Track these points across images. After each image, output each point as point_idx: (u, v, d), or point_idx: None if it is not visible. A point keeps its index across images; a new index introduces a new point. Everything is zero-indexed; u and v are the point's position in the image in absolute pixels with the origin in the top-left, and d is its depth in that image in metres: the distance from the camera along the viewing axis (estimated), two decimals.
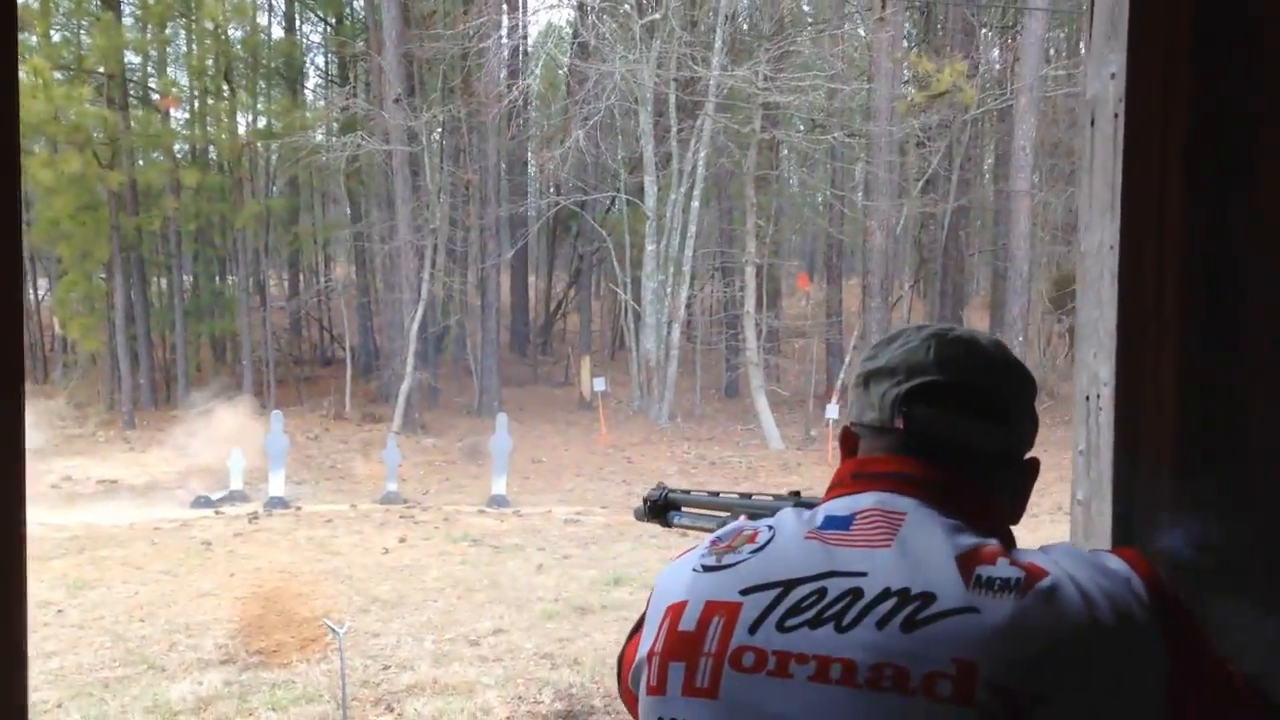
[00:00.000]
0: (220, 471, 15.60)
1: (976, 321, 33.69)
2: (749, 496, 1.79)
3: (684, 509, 1.92)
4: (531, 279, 34.07)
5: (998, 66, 27.64)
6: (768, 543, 1.14)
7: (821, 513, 1.15)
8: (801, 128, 23.88)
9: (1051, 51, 29.00)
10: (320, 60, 33.08)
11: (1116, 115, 1.94)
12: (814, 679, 1.01)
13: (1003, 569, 1.02)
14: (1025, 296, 21.47)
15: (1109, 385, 1.96)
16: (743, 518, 1.27)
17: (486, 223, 23.97)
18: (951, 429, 1.16)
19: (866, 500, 1.13)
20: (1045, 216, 24.89)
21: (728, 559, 1.15)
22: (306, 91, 31.49)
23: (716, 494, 1.89)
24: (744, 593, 1.10)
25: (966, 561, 1.02)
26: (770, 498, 1.72)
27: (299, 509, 14.32)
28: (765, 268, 24.98)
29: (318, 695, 7.49)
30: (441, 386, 24.85)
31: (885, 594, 1.02)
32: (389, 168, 22.60)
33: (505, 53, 23.73)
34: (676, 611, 1.13)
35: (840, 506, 1.14)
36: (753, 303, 22.22)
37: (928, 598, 1.00)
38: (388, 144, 21.94)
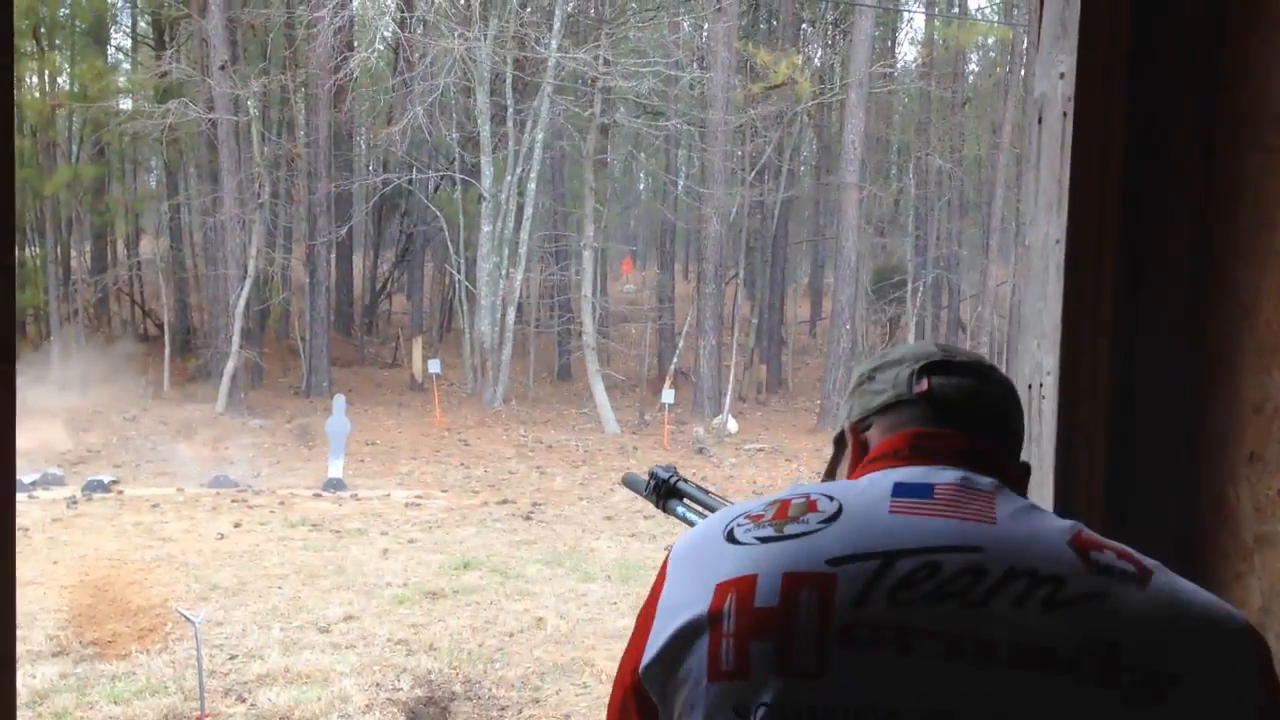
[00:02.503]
0: (31, 453, 14.73)
1: (798, 309, 34.67)
2: None
3: (687, 501, 1.89)
4: (356, 258, 33.27)
5: (817, 62, 28.41)
6: (838, 513, 1.08)
7: (889, 480, 1.12)
8: (638, 114, 24.01)
9: (874, 49, 30.01)
10: (136, 22, 31.40)
11: (1065, 114, 2.06)
12: (946, 656, 0.98)
13: (1111, 558, 1.04)
14: (853, 286, 22.19)
15: (1052, 375, 2.08)
16: (793, 486, 1.18)
17: (316, 198, 23.27)
18: (974, 395, 1.19)
19: (947, 475, 1.10)
20: (872, 210, 25.78)
21: (791, 529, 1.08)
22: (119, 54, 29.90)
23: (707, 493, 1.87)
24: (832, 563, 1.03)
25: (1079, 545, 1.04)
26: None
27: (121, 492, 13.65)
28: (600, 252, 25.09)
29: (162, 687, 7.19)
30: (266, 366, 24.07)
31: (1013, 573, 1.01)
32: (213, 137, 21.68)
33: (335, 24, 23.05)
34: (744, 586, 1.04)
35: (913, 475, 1.11)
36: (590, 286, 22.28)
37: (1059, 580, 1.01)
38: (212, 112, 21.03)
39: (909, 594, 1.00)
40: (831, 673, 0.99)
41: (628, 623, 8.89)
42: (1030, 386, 2.15)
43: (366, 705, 7.00)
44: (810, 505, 1.09)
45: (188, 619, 6.72)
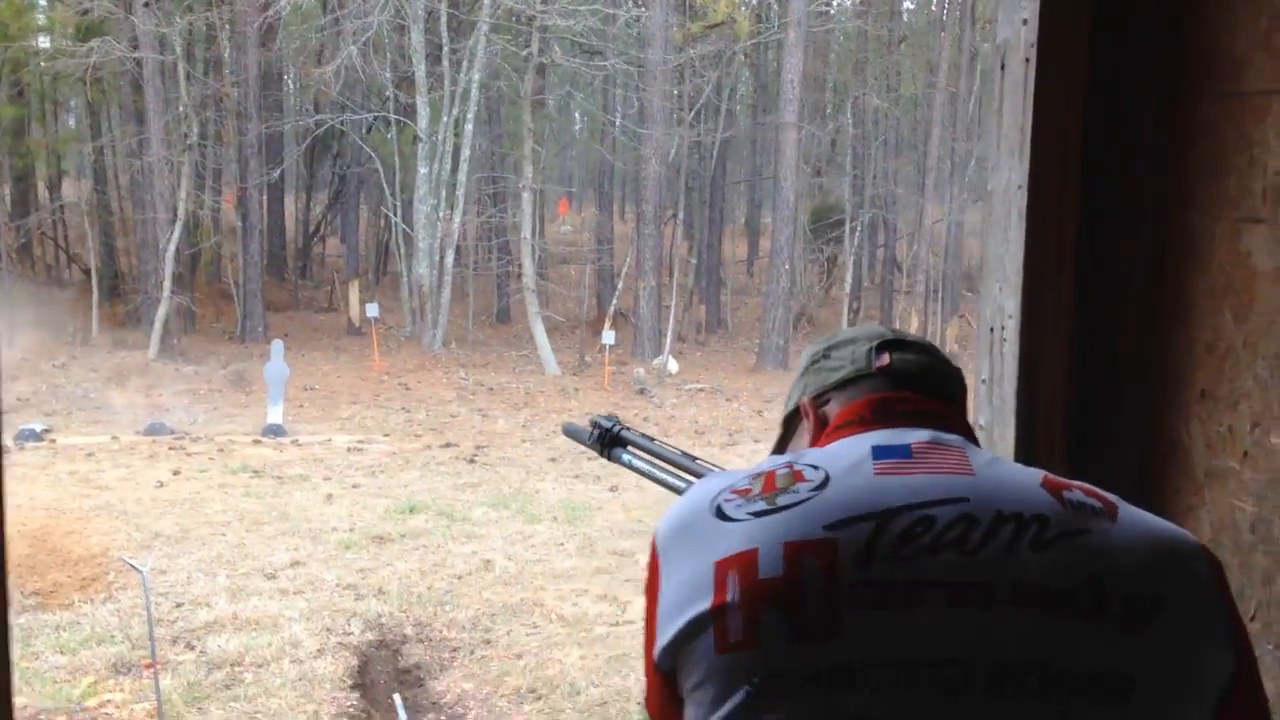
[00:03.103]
0: None
1: (737, 247, 34.77)
2: (694, 458, 1.77)
3: (632, 449, 1.90)
4: (288, 200, 32.68)
5: (754, 1, 28.27)
6: (825, 480, 1.10)
7: (865, 444, 1.15)
8: (575, 54, 23.74)
9: None
10: None
11: (1027, 60, 2.09)
12: (951, 604, 1.01)
13: (1080, 496, 1.10)
14: (791, 226, 22.27)
15: (1014, 319, 2.14)
16: (771, 459, 1.21)
17: (247, 140, 22.78)
18: (930, 370, 1.26)
19: (918, 434, 1.15)
20: (810, 149, 25.81)
21: (783, 500, 1.09)
22: None
23: (652, 440, 1.88)
24: (830, 529, 1.05)
25: (1050, 487, 1.09)
26: (712, 467, 1.68)
27: (54, 441, 13.41)
28: (539, 194, 24.89)
29: (108, 636, 7.14)
30: (198, 311, 23.66)
31: (1000, 518, 1.05)
32: (137, 77, 21.07)
33: None
34: (745, 561, 1.06)
35: (887, 438, 1.15)
36: (529, 228, 22.13)
37: (1043, 520, 1.05)
38: (136, 51, 20.42)
39: (909, 548, 1.03)
40: (845, 634, 1.01)
41: (575, 563, 9.00)
42: (992, 329, 2.21)
43: (318, 650, 7.01)
44: (796, 475, 1.12)
45: (134, 568, 6.67)
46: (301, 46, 24.84)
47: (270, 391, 14.63)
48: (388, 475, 12.05)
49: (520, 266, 22.85)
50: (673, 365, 21.16)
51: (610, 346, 19.88)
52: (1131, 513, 1.09)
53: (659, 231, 23.15)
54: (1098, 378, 2.10)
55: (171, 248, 20.77)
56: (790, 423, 1.34)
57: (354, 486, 11.40)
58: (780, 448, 1.37)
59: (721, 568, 1.06)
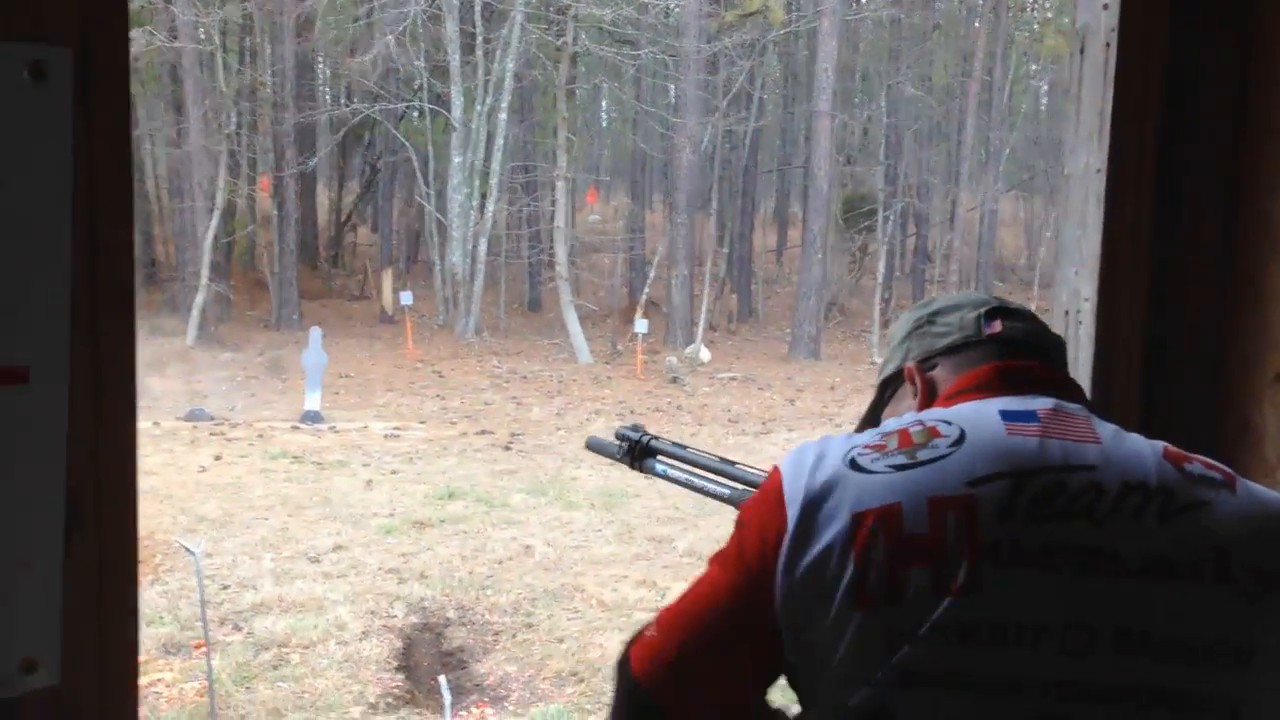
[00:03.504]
0: None
1: (767, 236, 34.72)
2: (733, 463, 1.73)
3: (663, 458, 1.84)
4: (320, 189, 32.85)
5: None
6: (961, 436, 1.10)
7: (993, 408, 1.14)
8: (609, 43, 23.74)
9: None
10: None
11: (1108, 44, 2.10)
12: (1080, 571, 1.03)
13: (1201, 468, 1.11)
14: (824, 216, 22.22)
15: (1090, 301, 2.15)
16: (897, 419, 1.18)
17: (283, 129, 22.94)
18: (1041, 333, 1.29)
19: (1042, 402, 1.16)
20: (843, 138, 25.71)
21: (923, 454, 1.09)
22: None
23: (684, 447, 1.84)
24: (971, 484, 1.06)
25: (1172, 459, 1.11)
26: (753, 470, 1.67)
27: None
28: (571, 182, 24.93)
29: (158, 618, 7.25)
30: (234, 299, 23.87)
31: (1127, 488, 1.06)
32: (177, 67, 21.26)
33: None
34: (890, 516, 1.05)
35: (1013, 404, 1.15)
36: (563, 217, 22.18)
37: (1168, 492, 1.07)
38: (175, 41, 20.60)
39: (1043, 510, 1.05)
40: (985, 589, 1.02)
41: (613, 549, 9.05)
42: (1068, 313, 2.22)
43: (363, 632, 7.10)
44: (932, 431, 1.12)
45: (188, 550, 6.75)
46: (337, 37, 24.94)
47: (308, 378, 14.75)
48: (425, 462, 12.13)
49: (552, 255, 22.91)
50: (705, 354, 21.18)
51: (643, 335, 19.91)
52: (1249, 485, 1.12)
53: (691, 220, 23.16)
54: (1170, 361, 2.11)
55: (209, 236, 20.97)
56: (887, 386, 1.34)
57: (393, 473, 11.49)
58: (874, 411, 1.36)
59: (862, 519, 1.06)
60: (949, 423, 1.13)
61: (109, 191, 1.53)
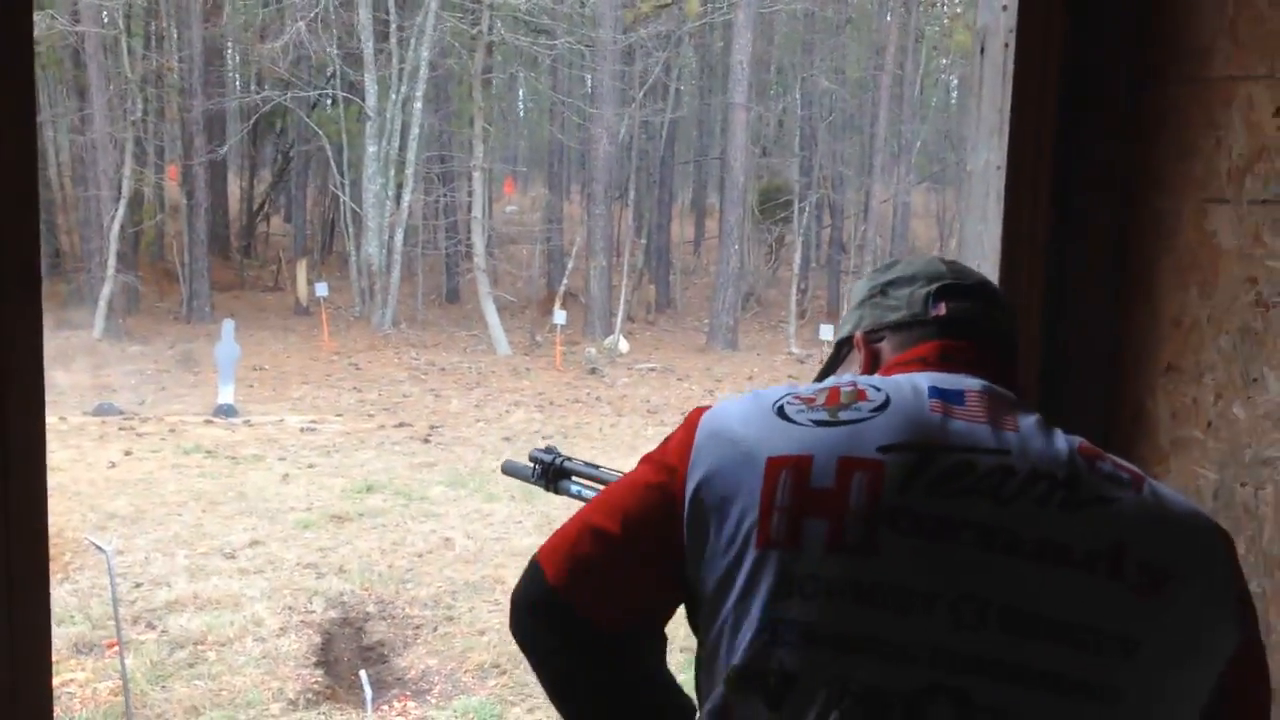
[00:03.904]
0: None
1: (684, 227, 34.89)
2: None
3: (577, 478, 1.87)
4: (231, 178, 32.22)
5: None
6: (885, 403, 1.15)
7: (925, 382, 1.19)
8: (526, 32, 23.62)
9: None
10: None
11: (1006, 45, 2.19)
12: (978, 546, 1.07)
13: (1111, 467, 1.16)
14: (741, 207, 22.40)
15: None
16: (837, 376, 1.27)
17: (192, 116, 22.45)
18: (986, 318, 1.30)
19: (973, 383, 1.19)
20: (758, 130, 25.92)
21: (845, 415, 1.14)
22: None
23: (597, 467, 1.86)
24: (882, 450, 1.11)
25: (1085, 455, 1.16)
26: None
27: None
28: (488, 173, 24.79)
29: (69, 617, 7.11)
30: (143, 290, 23.32)
31: (1036, 475, 1.11)
32: (80, 51, 20.67)
33: None
34: (799, 466, 1.11)
35: (945, 381, 1.19)
36: (481, 208, 22.05)
37: (1075, 484, 1.11)
38: (78, 24, 20.03)
39: (948, 487, 1.09)
40: (879, 552, 1.07)
41: (534, 540, 9.04)
42: None
43: (280, 628, 7.03)
44: (859, 394, 1.17)
45: (98, 547, 6.63)
46: (246, 22, 24.46)
47: (221, 371, 14.51)
48: (343, 455, 12.02)
49: (470, 246, 22.78)
50: (624, 345, 21.24)
51: (561, 326, 19.91)
52: (1156, 487, 1.16)
53: (609, 211, 23.18)
54: (1065, 352, 2.20)
55: (116, 225, 20.45)
56: (842, 347, 1.38)
57: (309, 466, 11.37)
58: (829, 369, 1.41)
59: (774, 465, 1.11)
60: (878, 389, 1.17)
61: (11, 178, 1.52)
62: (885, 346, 1.31)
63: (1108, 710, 1.06)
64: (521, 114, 41.89)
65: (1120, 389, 2.18)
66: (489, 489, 10.59)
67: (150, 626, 7.06)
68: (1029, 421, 1.17)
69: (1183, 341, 2.08)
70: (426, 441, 13.01)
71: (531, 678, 6.64)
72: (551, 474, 1.90)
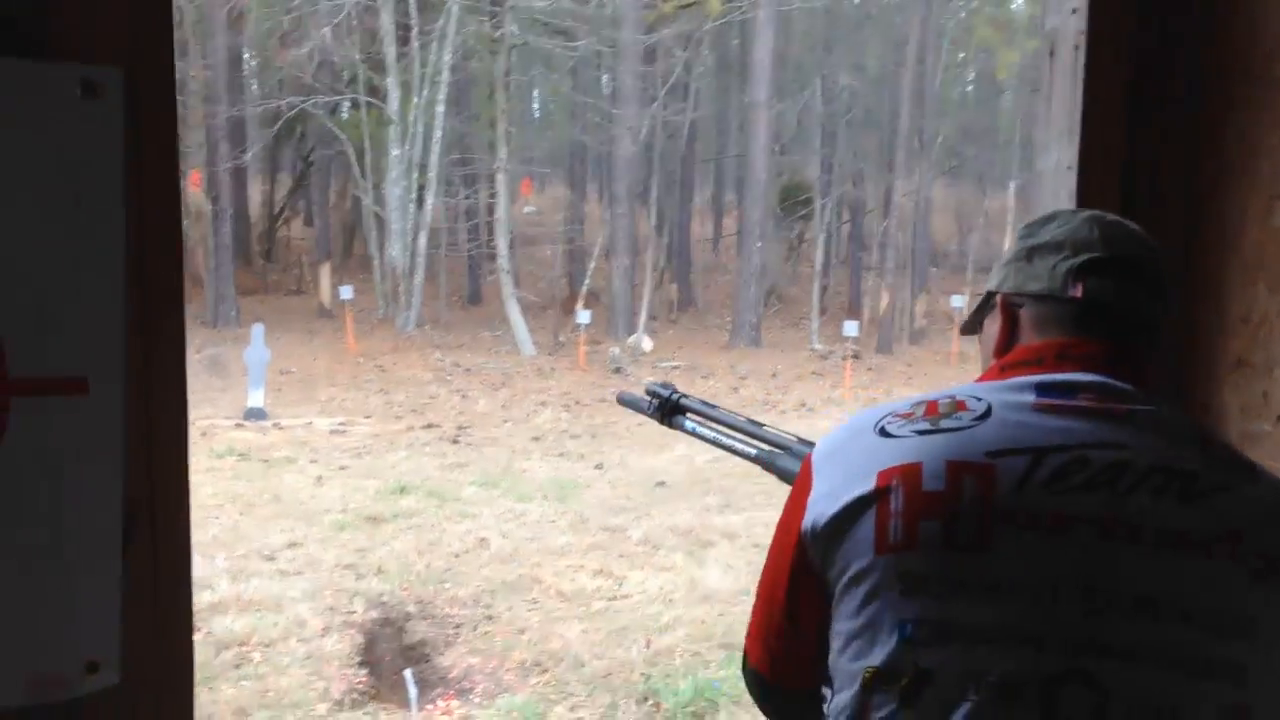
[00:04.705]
0: None
1: (704, 225, 34.91)
2: (760, 424, 1.83)
3: (692, 416, 1.92)
4: (251, 183, 32.39)
5: None
6: (987, 411, 1.20)
7: (1031, 381, 1.23)
8: (546, 34, 23.67)
9: None
10: None
11: (1077, 47, 2.22)
12: (1100, 537, 1.12)
13: (1227, 453, 1.21)
14: (762, 205, 22.41)
15: None
16: (938, 391, 1.30)
17: (216, 123, 22.61)
18: (1124, 299, 1.28)
19: (1087, 378, 1.22)
20: (779, 128, 25.91)
21: (947, 424, 1.19)
22: None
23: (714, 406, 1.91)
24: (991, 455, 1.16)
25: (1204, 443, 1.21)
26: (780, 433, 1.77)
27: None
28: (511, 175, 24.86)
29: None
30: None
31: (1153, 469, 1.15)
32: None
33: None
34: (910, 472, 1.17)
35: (1055, 377, 1.23)
36: (504, 209, 22.12)
37: (1191, 475, 1.15)
38: None
39: (1062, 484, 1.14)
40: (994, 548, 1.13)
41: (568, 539, 9.11)
42: None
43: (323, 629, 7.10)
44: (959, 405, 1.22)
45: None
46: (270, 30, 24.58)
47: (250, 375, 14.61)
48: (374, 457, 12.10)
49: (492, 247, 22.86)
50: (647, 344, 21.28)
51: (585, 326, 19.97)
52: (1269, 476, 1.20)
53: (632, 211, 23.22)
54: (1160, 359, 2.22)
55: None
56: (990, 298, 1.40)
57: (341, 468, 11.45)
58: (977, 315, 1.44)
59: (885, 475, 1.18)
60: (979, 399, 1.22)
61: (157, 200, 1.59)
62: (1024, 314, 1.32)
63: (1232, 688, 1.10)
64: (538, 115, 42.00)
65: (1189, 384, 2.21)
66: (521, 489, 10.65)
67: (196, 629, 7.12)
68: (1147, 412, 1.20)
69: (1251, 337, 2.11)
70: (455, 442, 13.08)
71: (572, 675, 6.70)
72: (668, 408, 1.92)
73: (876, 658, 1.15)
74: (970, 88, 37.52)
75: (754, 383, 18.63)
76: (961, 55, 33.72)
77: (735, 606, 7.49)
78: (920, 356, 22.64)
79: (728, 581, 8.00)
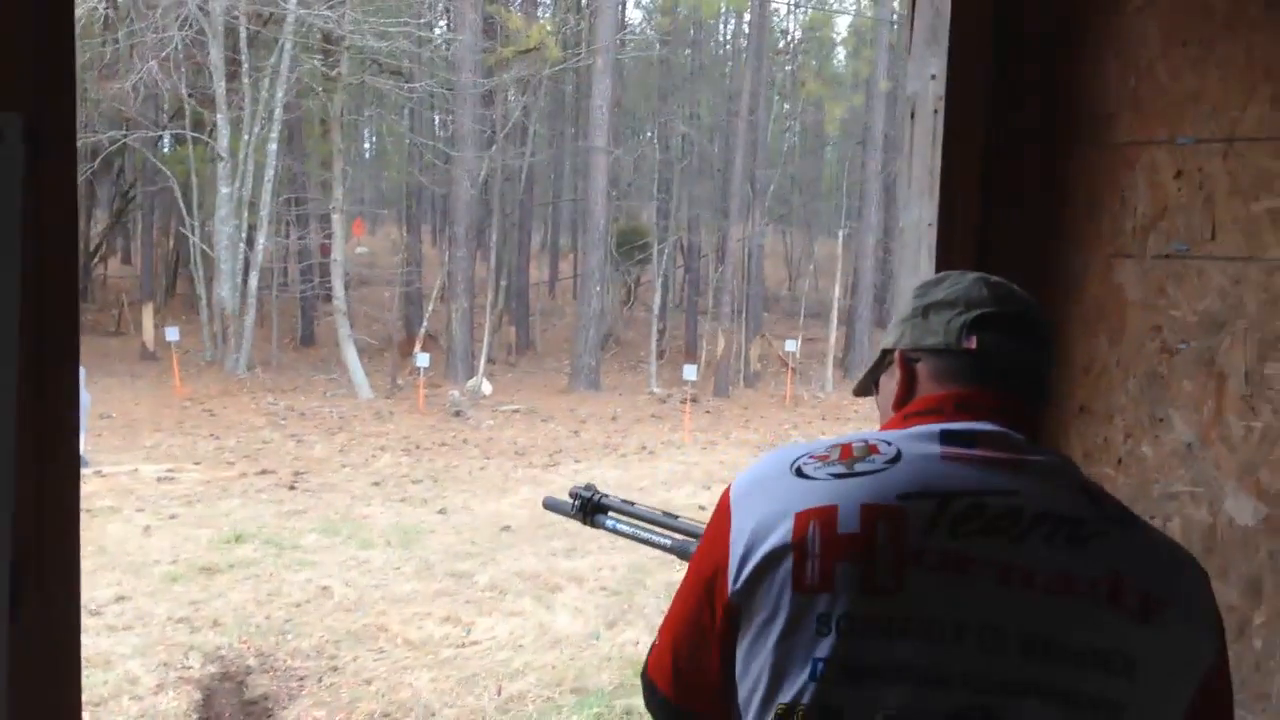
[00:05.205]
0: None
1: (540, 270, 35.00)
2: (675, 516, 1.95)
3: (613, 514, 2.03)
4: None
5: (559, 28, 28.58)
6: (897, 455, 1.26)
7: (936, 430, 1.30)
8: (384, 74, 23.44)
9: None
10: None
11: (936, 111, 2.38)
12: (997, 582, 1.19)
13: (1109, 502, 1.30)
14: (601, 249, 22.63)
15: None
16: (850, 434, 1.35)
17: None
18: (1014, 351, 1.36)
19: (986, 427, 1.29)
20: (617, 174, 26.24)
21: (861, 467, 1.25)
22: None
23: (633, 504, 2.04)
24: (902, 499, 1.22)
25: (1088, 493, 1.29)
26: (693, 523, 1.88)
27: None
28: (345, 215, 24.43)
29: None
30: None
31: (1043, 515, 1.22)
32: None
33: None
34: (825, 515, 1.22)
35: (956, 426, 1.30)
36: (340, 250, 21.71)
37: (1077, 521, 1.23)
38: None
39: (965, 528, 1.21)
40: (907, 590, 1.19)
41: (414, 586, 8.96)
42: None
43: (157, 686, 6.78)
44: (871, 448, 1.28)
45: None
46: (89, 60, 23.58)
47: None
48: (205, 504, 11.65)
49: (327, 288, 22.40)
50: (487, 387, 21.15)
51: (424, 369, 19.72)
52: (1145, 525, 1.30)
53: (470, 253, 23.12)
54: None
55: None
56: (886, 355, 1.47)
57: (171, 517, 10.98)
58: (873, 373, 1.51)
59: (802, 518, 1.22)
60: (889, 443, 1.29)
61: (56, 244, 1.55)
62: (921, 368, 1.39)
63: None
64: (370, 154, 41.48)
65: (1036, 431, 2.36)
66: (363, 535, 10.42)
67: None
68: (1038, 461, 1.29)
69: (1093, 386, 2.27)
70: (292, 489, 12.71)
71: None
72: (590, 508, 2.03)
73: (787, 694, 1.20)
74: (798, 139, 38.81)
75: (594, 426, 18.70)
76: (788, 107, 34.90)
77: (585, 650, 7.49)
78: (756, 399, 23.14)
79: (577, 625, 7.99)
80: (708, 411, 20.89)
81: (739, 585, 1.25)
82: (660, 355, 24.85)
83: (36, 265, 1.50)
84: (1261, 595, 2.05)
